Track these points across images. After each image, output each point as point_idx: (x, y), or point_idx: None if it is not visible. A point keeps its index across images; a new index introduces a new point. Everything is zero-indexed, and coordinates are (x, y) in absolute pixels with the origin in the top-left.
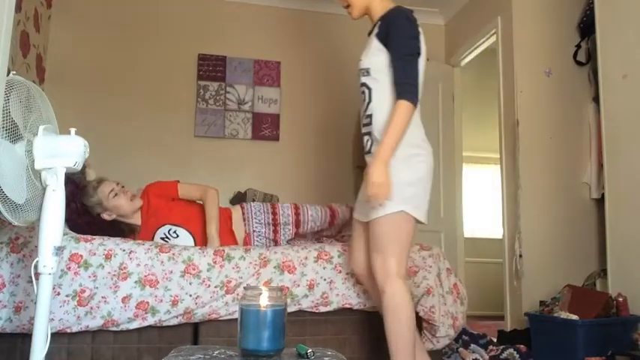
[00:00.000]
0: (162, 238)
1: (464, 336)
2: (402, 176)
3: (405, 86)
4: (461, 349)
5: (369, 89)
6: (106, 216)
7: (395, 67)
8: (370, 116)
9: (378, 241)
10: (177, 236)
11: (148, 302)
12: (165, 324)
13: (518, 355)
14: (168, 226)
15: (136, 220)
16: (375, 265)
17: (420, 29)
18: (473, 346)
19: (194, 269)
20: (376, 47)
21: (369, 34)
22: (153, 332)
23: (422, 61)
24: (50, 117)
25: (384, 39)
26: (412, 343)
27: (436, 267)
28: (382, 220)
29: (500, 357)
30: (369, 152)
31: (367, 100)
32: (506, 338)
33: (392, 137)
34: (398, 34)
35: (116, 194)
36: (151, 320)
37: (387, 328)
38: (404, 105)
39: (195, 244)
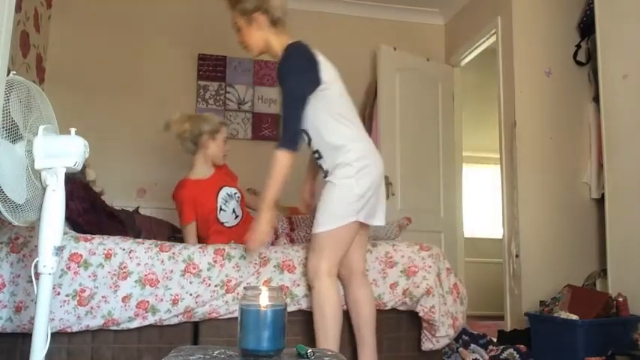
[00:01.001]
0: (229, 194)
1: (464, 336)
2: (334, 197)
3: (281, 135)
4: (461, 349)
5: (304, 128)
6: (203, 142)
7: (281, 115)
8: (317, 151)
9: (313, 242)
10: (237, 203)
11: (148, 301)
12: (165, 323)
13: (518, 355)
14: (235, 190)
15: (209, 168)
16: (307, 263)
17: (320, 58)
18: (473, 346)
19: (194, 268)
20: None
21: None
22: (153, 332)
23: (335, 87)
24: (50, 117)
25: None
26: (338, 334)
27: (436, 267)
28: (317, 234)
29: (500, 357)
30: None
31: (307, 138)
32: (506, 338)
33: (272, 189)
34: (282, 80)
35: (225, 142)
36: (151, 319)
37: (314, 321)
38: (279, 155)
39: (239, 220)
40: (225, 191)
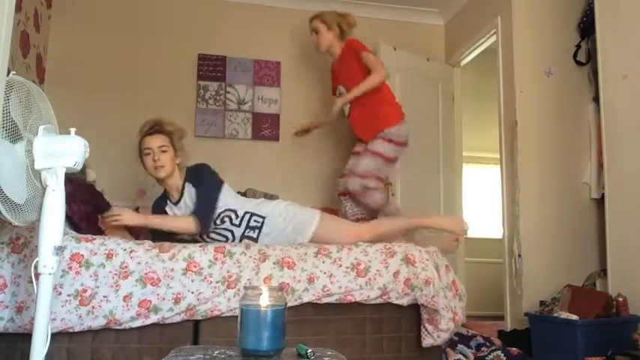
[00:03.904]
0: None
1: (454, 337)
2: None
3: (204, 215)
4: (448, 349)
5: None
6: None
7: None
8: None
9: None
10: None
11: (150, 300)
12: (167, 321)
13: (505, 358)
14: None
15: None
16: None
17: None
18: (460, 346)
19: (195, 266)
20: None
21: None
22: (153, 332)
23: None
24: (50, 117)
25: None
26: None
27: (432, 262)
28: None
29: (486, 359)
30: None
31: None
32: (506, 338)
33: (164, 223)
34: (201, 184)
35: None
36: (153, 318)
37: None
38: (194, 223)
39: None
40: None
